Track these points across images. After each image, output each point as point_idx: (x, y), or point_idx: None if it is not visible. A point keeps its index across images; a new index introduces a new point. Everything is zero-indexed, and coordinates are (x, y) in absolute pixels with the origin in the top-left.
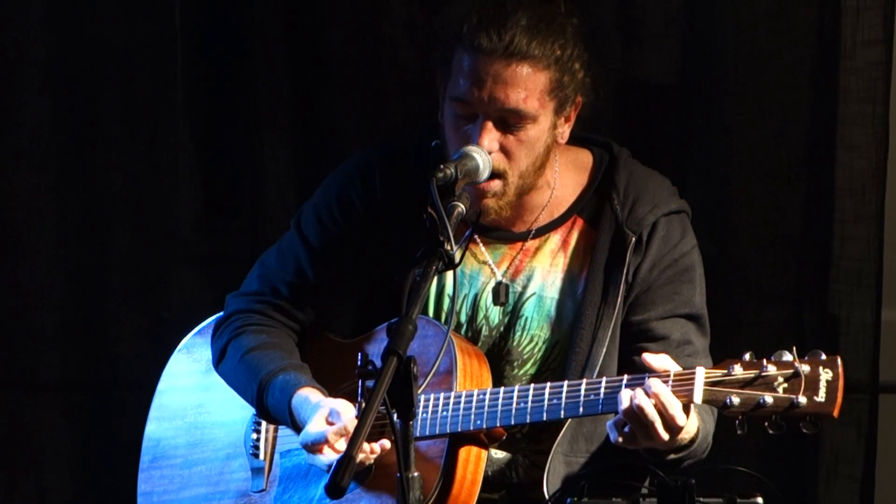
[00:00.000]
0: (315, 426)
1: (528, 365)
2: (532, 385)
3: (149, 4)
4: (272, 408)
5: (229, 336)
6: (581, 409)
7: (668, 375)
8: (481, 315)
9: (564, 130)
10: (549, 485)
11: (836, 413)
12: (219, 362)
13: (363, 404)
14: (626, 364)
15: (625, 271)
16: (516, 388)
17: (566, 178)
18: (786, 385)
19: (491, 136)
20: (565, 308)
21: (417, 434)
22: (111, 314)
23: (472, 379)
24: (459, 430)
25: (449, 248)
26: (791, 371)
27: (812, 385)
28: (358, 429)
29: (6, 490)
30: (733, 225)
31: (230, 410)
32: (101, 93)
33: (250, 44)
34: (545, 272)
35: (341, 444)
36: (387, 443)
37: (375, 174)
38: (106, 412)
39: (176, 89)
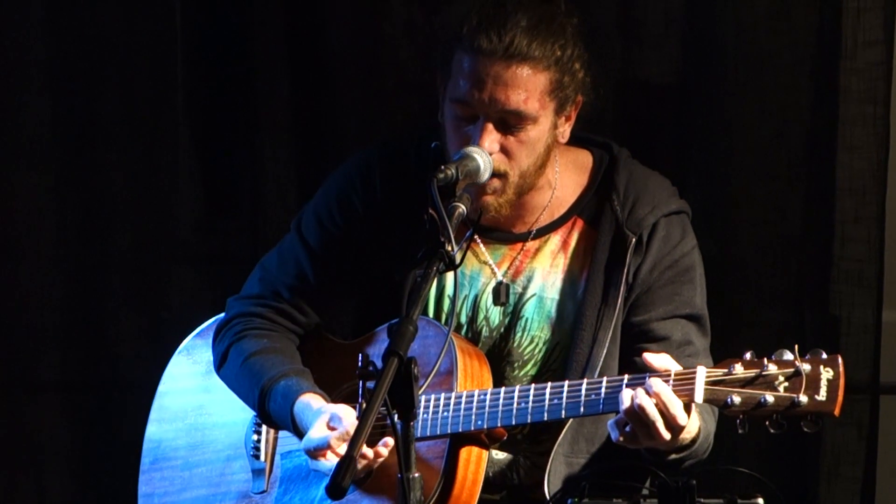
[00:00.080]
0: (317, 432)
1: (529, 366)
2: (533, 385)
3: (149, 4)
4: (274, 413)
5: (231, 340)
6: (582, 409)
7: (669, 375)
8: (482, 316)
9: (565, 130)
10: (550, 486)
11: (837, 412)
12: (220, 366)
13: (364, 405)
14: (627, 365)
15: (625, 272)
16: (517, 388)
17: (566, 179)
18: (787, 384)
19: (492, 138)
20: (566, 309)
21: (418, 435)
22: (111, 314)
23: (472, 379)
24: (460, 430)
25: (450, 248)
26: (792, 370)
27: (813, 384)
28: (358, 429)
29: (6, 490)
30: (733, 225)
31: (231, 412)
32: (101, 93)
33: (250, 44)
34: (545, 273)
35: (343, 449)
36: (389, 440)
37: (375, 175)
38: (106, 412)
39: (176, 89)
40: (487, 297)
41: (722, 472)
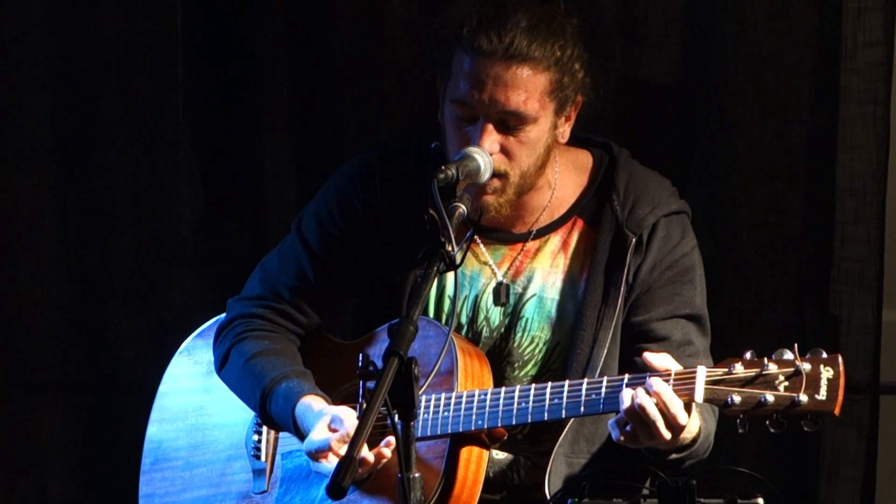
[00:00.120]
0: (318, 434)
1: (529, 366)
2: (533, 385)
3: (149, 4)
4: (275, 415)
5: (231, 341)
6: (582, 409)
7: (670, 374)
8: (482, 316)
9: (565, 130)
10: (551, 486)
11: (837, 411)
12: (221, 368)
13: (364, 405)
14: (627, 365)
15: (625, 272)
16: (517, 388)
17: (566, 179)
18: (787, 383)
19: (492, 138)
20: (566, 309)
21: (418, 434)
22: (111, 314)
23: (473, 379)
24: (461, 430)
25: (450, 249)
26: (792, 369)
27: (813, 383)
28: (359, 429)
29: (6, 490)
30: (734, 225)
31: (231, 412)
32: (101, 93)
33: (250, 44)
34: (545, 273)
35: (344, 451)
36: (391, 440)
37: (375, 176)
38: (106, 412)
39: (176, 89)
40: (488, 298)
41: (722, 472)
